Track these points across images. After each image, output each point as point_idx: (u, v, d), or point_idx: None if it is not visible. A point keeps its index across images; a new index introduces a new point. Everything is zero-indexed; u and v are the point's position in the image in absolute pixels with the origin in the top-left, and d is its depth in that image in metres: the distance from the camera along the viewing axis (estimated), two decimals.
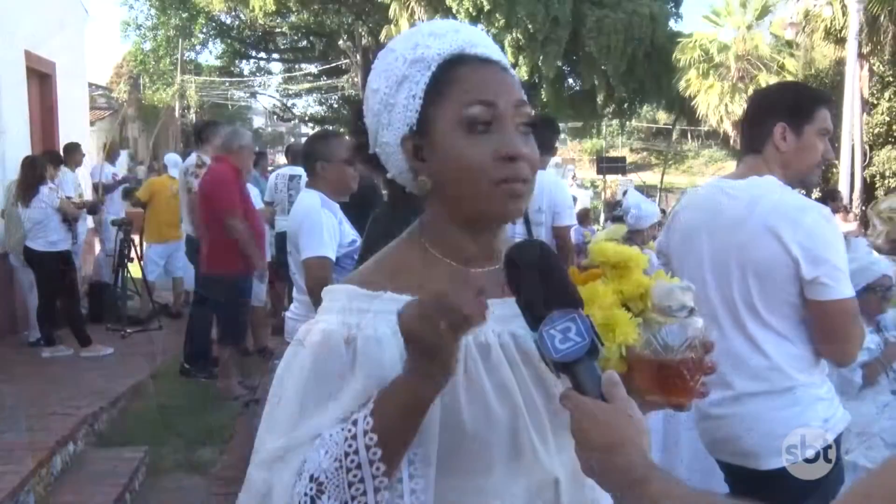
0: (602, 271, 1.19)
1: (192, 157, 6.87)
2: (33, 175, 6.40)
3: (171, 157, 9.60)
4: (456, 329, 0.94)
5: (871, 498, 0.67)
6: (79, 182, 8.14)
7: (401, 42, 1.11)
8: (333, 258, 3.38)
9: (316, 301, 2.62)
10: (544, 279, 1.02)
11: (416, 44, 1.09)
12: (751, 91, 21.96)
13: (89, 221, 8.90)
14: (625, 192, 6.04)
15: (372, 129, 1.13)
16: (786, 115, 2.27)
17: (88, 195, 8.86)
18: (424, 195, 1.12)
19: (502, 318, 1.09)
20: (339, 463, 0.97)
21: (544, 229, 4.44)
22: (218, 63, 35.86)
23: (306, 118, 36.86)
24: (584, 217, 12.90)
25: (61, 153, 8.08)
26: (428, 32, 1.10)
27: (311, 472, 0.98)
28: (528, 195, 1.08)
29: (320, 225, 3.39)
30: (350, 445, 0.97)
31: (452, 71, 1.07)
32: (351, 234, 3.52)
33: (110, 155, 9.77)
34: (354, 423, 0.99)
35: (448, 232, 1.11)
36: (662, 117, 39.91)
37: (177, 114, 31.05)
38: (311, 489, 0.97)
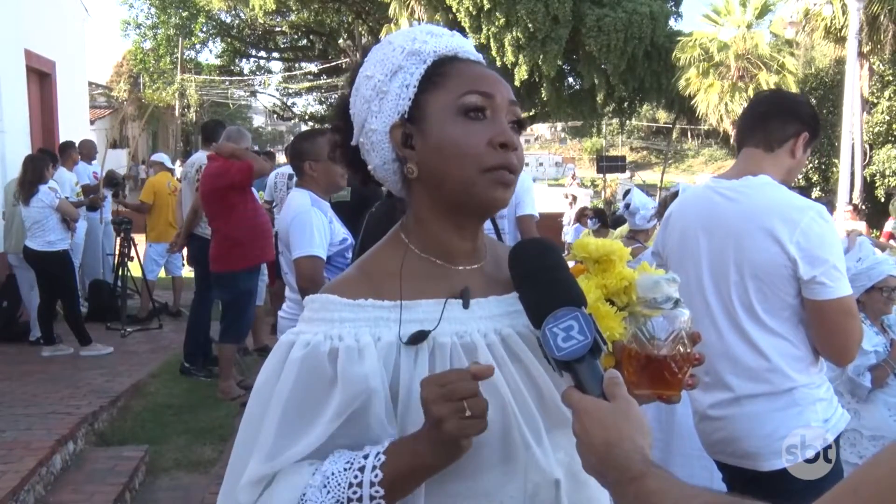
0: (585, 267, 1.20)
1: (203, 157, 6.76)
2: (34, 174, 6.41)
3: (161, 155, 9.48)
4: (477, 423, 0.95)
5: (858, 492, 0.67)
6: (76, 181, 8.11)
7: (399, 36, 1.12)
8: (324, 257, 3.37)
9: None
10: (547, 277, 1.02)
11: (413, 38, 1.10)
12: (751, 90, 21.97)
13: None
14: (626, 192, 5.99)
15: (360, 116, 1.12)
16: (808, 127, 2.31)
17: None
18: (406, 196, 1.12)
19: (488, 316, 1.09)
20: None
21: (508, 221, 4.38)
22: (218, 62, 35.89)
23: (306, 117, 36.84)
24: (583, 216, 12.90)
25: (57, 152, 8.03)
26: (427, 31, 1.12)
27: None
28: (514, 187, 1.08)
29: (311, 224, 3.39)
30: (355, 492, 0.98)
31: (448, 65, 1.09)
32: (342, 232, 3.51)
33: (86, 153, 9.23)
34: (361, 469, 0.98)
35: (431, 227, 1.10)
36: (662, 116, 39.92)
37: (177, 113, 31.05)
38: None
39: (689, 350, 1.07)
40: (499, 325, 1.09)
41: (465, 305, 1.08)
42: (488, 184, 1.04)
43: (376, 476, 0.97)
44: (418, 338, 1.04)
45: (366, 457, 0.99)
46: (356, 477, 0.98)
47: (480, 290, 1.10)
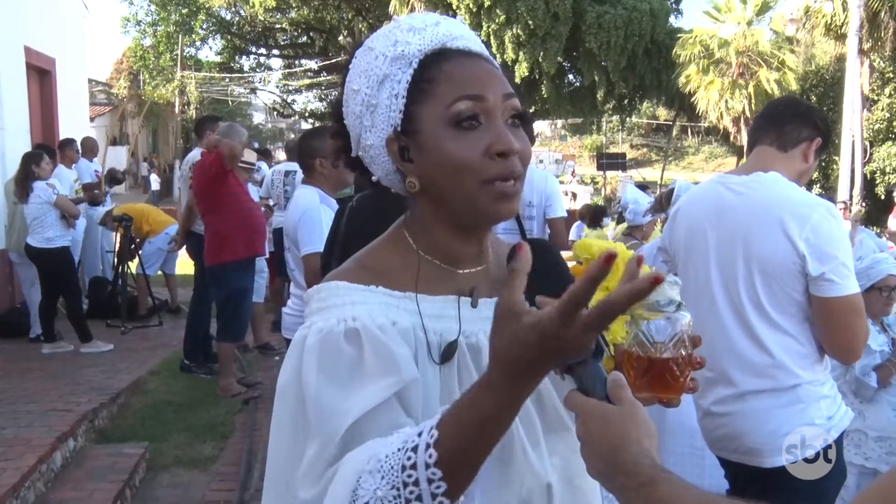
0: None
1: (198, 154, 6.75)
2: (22, 171, 6.42)
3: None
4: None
5: (889, 499, 0.66)
6: (75, 178, 8.09)
7: (380, 40, 1.05)
8: None
9: None
10: (545, 278, 0.99)
11: (395, 41, 1.03)
12: (751, 87, 21.97)
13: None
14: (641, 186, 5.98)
15: (354, 131, 1.08)
16: (821, 135, 2.34)
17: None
18: (410, 200, 1.08)
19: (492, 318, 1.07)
20: (397, 492, 0.86)
21: (537, 223, 4.39)
22: (218, 59, 35.84)
23: (306, 114, 36.82)
24: (585, 214, 12.86)
25: (55, 149, 7.99)
26: (407, 28, 1.04)
27: (365, 500, 0.87)
28: (520, 193, 1.03)
29: (319, 221, 3.38)
30: (409, 476, 0.86)
31: (435, 67, 1.02)
32: None
33: (88, 151, 9.14)
34: (414, 449, 0.87)
35: (436, 232, 1.07)
36: (662, 113, 39.92)
37: (177, 110, 31.03)
38: None
39: (690, 353, 1.04)
40: None
41: (474, 304, 1.05)
42: (490, 198, 1.00)
43: (430, 456, 0.85)
44: (449, 351, 1.01)
45: (420, 434, 0.88)
46: (409, 458, 0.86)
47: (485, 291, 1.07)
